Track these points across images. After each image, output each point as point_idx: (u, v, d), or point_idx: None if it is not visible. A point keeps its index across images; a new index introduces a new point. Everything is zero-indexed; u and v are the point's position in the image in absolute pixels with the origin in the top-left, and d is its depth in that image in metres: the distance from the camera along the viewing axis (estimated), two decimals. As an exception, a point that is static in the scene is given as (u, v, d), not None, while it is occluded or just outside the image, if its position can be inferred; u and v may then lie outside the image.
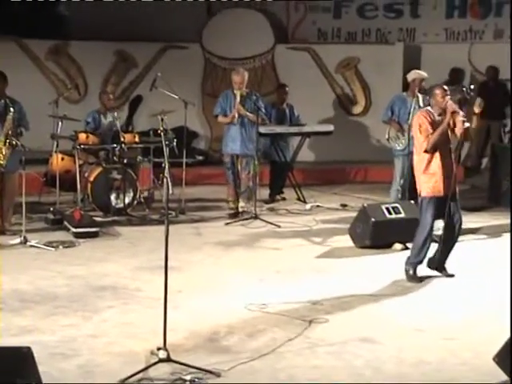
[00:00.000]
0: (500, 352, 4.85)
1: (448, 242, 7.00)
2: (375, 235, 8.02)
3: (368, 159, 12.64)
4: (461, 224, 7.05)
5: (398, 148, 9.02)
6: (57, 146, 9.57)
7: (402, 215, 8.11)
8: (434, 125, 6.88)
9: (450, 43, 13.69)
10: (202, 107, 13.19)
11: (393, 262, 7.55)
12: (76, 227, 8.47)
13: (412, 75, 9.06)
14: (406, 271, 7.04)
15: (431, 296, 6.66)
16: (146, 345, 5.32)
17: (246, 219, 9.35)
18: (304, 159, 11.97)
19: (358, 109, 13.52)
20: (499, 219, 9.63)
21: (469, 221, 9.31)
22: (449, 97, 6.88)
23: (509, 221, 9.47)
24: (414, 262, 7.03)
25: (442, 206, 6.89)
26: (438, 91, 6.95)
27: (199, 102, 13.05)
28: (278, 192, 10.88)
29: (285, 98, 11.01)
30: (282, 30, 13.91)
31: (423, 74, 9.04)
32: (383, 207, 8.22)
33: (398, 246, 8.12)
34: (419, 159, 7.00)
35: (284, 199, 10.84)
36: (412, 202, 8.47)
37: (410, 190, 8.70)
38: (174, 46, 13.31)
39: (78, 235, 8.40)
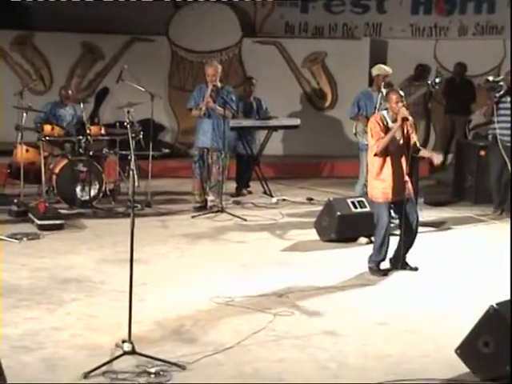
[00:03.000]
0: (462, 344, 4.92)
1: (406, 240, 7.06)
2: (341, 229, 8.07)
3: (335, 154, 12.69)
4: (417, 221, 7.08)
5: (365, 142, 9.03)
6: (21, 137, 9.48)
7: (367, 209, 8.14)
8: (387, 129, 6.85)
9: (415, 39, 13.80)
10: (169, 100, 13.16)
11: (358, 255, 7.59)
12: (41, 219, 8.40)
13: (375, 71, 9.06)
14: (370, 268, 7.10)
15: (394, 289, 6.72)
16: (110, 337, 5.30)
17: (213, 212, 9.36)
18: (271, 153, 11.99)
19: (324, 103, 13.57)
20: (463, 213, 9.75)
21: (433, 215, 9.48)
22: (402, 103, 6.85)
23: (472, 215, 9.63)
24: (376, 260, 7.10)
25: (397, 206, 7.01)
26: (393, 96, 6.90)
27: (166, 94, 13.02)
28: (245, 185, 10.90)
29: (251, 90, 11.02)
30: (250, 24, 13.90)
31: (387, 69, 9.03)
32: (349, 201, 8.28)
33: (363, 239, 8.17)
34: (371, 163, 7.02)
35: (250, 193, 10.86)
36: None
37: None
38: (140, 38, 13.24)
39: (42, 227, 8.34)
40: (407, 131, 6.95)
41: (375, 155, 6.88)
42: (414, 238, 7.09)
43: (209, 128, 9.51)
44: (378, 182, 6.94)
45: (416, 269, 7.16)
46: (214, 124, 9.49)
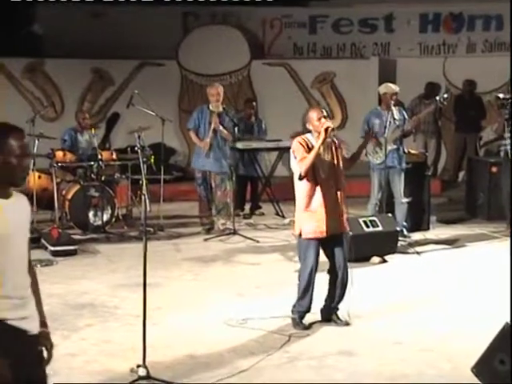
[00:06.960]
0: (478, 363, 4.89)
1: (331, 289, 6.25)
2: (353, 248, 8.03)
3: (346, 173, 12.64)
4: (345, 267, 6.20)
5: (376, 162, 9.05)
6: (33, 164, 9.52)
7: (380, 228, 8.15)
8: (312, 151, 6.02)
9: (424, 57, 13.82)
10: (179, 124, 13.20)
11: (371, 274, 7.57)
12: (54, 245, 8.43)
13: (382, 89, 9.09)
14: (292, 319, 6.18)
15: (409, 308, 6.69)
16: (125, 362, 5.30)
17: (225, 235, 9.36)
18: (281, 174, 11.98)
19: (334, 123, 13.55)
20: (476, 230, 9.72)
21: (446, 233, 9.47)
22: (325, 120, 6.02)
23: (485, 231, 9.59)
24: (299, 311, 6.18)
25: (327, 245, 6.18)
26: (312, 114, 6.09)
27: (176, 118, 13.07)
28: (255, 207, 10.92)
29: (251, 112, 11.06)
30: (258, 46, 13.97)
31: (393, 87, 9.05)
32: (361, 221, 8.27)
33: (376, 259, 8.16)
34: (300, 196, 6.16)
35: (262, 214, 10.85)
36: (389, 215, 8.54)
37: (387, 203, 8.78)
38: (150, 62, 13.32)
39: (55, 253, 8.36)
40: (337, 156, 6.21)
41: (301, 178, 6.03)
42: (343, 289, 6.20)
43: (210, 151, 9.47)
44: (308, 215, 6.09)
45: (348, 324, 6.20)
46: (216, 147, 9.48)
